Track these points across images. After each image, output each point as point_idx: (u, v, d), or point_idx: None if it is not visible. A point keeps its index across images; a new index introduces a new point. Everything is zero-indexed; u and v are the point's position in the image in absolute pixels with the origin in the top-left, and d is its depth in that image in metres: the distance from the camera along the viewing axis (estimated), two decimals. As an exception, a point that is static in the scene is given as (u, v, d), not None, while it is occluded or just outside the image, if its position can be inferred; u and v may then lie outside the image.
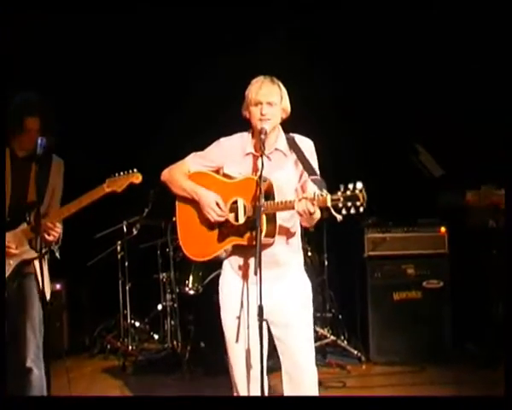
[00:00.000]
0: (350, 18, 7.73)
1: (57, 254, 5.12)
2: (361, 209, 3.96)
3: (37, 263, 4.94)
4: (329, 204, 4.00)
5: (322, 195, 4.04)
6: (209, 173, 4.56)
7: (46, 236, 4.88)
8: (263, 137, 4.32)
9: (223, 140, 4.58)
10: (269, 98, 4.39)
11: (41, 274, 4.71)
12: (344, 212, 3.97)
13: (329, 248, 7.86)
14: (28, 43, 7.34)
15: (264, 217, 4.25)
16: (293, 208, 4.18)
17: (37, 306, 4.98)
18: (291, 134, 4.54)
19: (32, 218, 4.95)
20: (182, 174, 4.58)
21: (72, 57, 7.84)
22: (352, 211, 3.95)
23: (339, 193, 3.99)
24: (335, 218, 4.04)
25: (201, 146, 4.65)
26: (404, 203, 7.63)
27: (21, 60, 7.05)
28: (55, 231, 4.93)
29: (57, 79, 7.51)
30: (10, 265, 4.95)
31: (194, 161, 4.60)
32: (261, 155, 4.27)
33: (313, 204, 4.07)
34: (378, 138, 7.95)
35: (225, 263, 4.58)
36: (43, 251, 4.87)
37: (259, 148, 4.33)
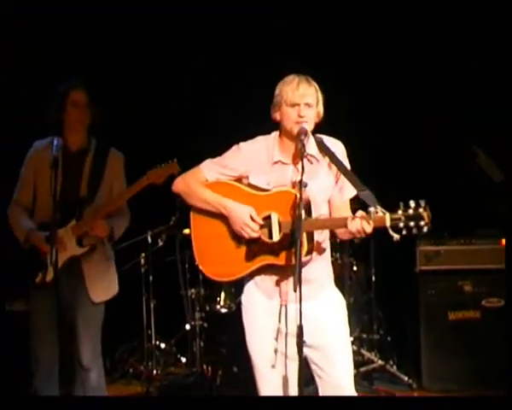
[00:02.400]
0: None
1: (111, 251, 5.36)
2: (425, 229, 3.81)
3: (85, 264, 5.14)
4: (388, 224, 3.84)
5: (381, 212, 3.87)
6: (232, 183, 4.29)
7: (93, 232, 5.05)
8: (303, 137, 4.07)
9: (243, 145, 4.32)
10: (307, 99, 4.16)
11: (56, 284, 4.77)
12: (404, 232, 3.82)
13: (377, 261, 7.53)
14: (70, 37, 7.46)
15: (304, 234, 4.02)
16: (344, 226, 4.00)
17: (89, 305, 5.15)
18: (318, 135, 4.31)
19: (83, 214, 5.10)
20: (200, 184, 4.32)
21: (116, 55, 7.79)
22: (415, 231, 3.81)
23: (399, 211, 3.83)
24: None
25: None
26: (460, 212, 7.27)
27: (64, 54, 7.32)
28: (102, 228, 5.06)
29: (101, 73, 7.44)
30: (58, 262, 4.92)
31: (212, 169, 4.33)
32: (301, 158, 4.02)
33: (369, 223, 3.88)
34: (432, 140, 7.61)
35: (249, 281, 4.34)
36: (89, 247, 5.11)
37: (299, 150, 4.06)
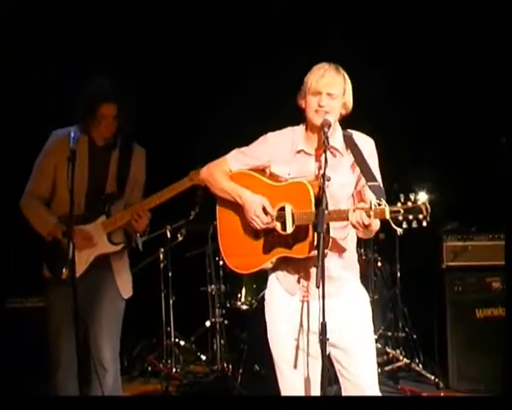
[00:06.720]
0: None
1: (140, 247, 5.33)
2: (424, 223, 3.76)
3: (114, 258, 5.11)
4: (388, 216, 3.79)
5: (379, 205, 3.80)
6: (253, 174, 4.27)
7: (135, 224, 4.99)
8: (326, 130, 3.99)
9: (270, 135, 4.29)
10: (330, 89, 4.07)
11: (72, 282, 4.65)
12: (405, 226, 3.78)
13: (402, 257, 7.38)
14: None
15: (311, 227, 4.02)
16: (346, 219, 3.94)
17: (117, 302, 5.14)
18: (349, 130, 4.23)
19: (112, 209, 5.06)
20: (222, 173, 4.32)
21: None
22: (414, 225, 3.76)
23: (399, 204, 3.79)
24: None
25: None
26: (488, 207, 7.00)
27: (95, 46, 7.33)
28: (146, 218, 5.01)
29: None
30: (88, 259, 4.99)
31: (236, 159, 4.33)
32: (324, 151, 3.94)
33: (369, 215, 3.83)
34: (459, 133, 7.48)
35: (272, 277, 4.30)
36: (123, 245, 5.11)
37: (323, 142, 3.97)
